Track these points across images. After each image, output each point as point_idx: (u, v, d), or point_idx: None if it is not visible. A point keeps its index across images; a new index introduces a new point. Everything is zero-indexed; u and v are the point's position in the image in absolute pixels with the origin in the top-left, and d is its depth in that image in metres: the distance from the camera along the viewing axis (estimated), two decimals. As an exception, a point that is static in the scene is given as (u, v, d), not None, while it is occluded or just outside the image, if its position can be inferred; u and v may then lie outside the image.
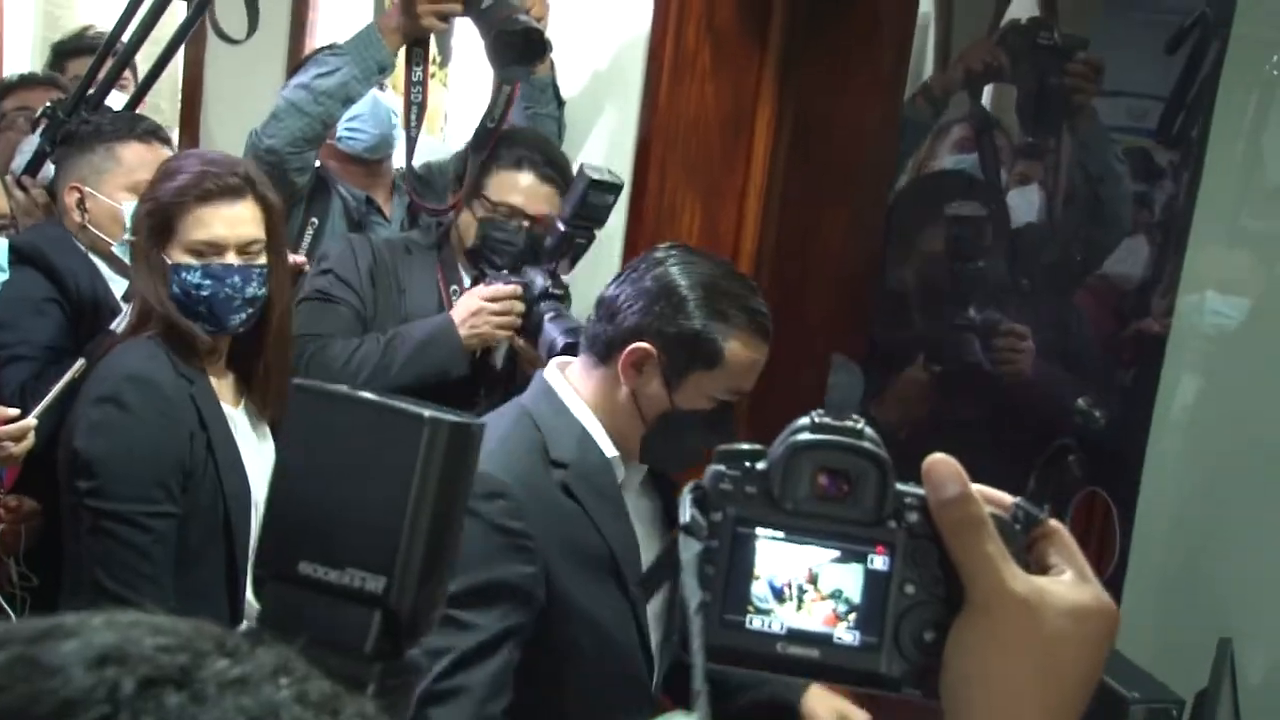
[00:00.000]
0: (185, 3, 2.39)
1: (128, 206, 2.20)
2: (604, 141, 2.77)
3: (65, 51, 3.53)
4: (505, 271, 2.38)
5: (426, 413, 0.60)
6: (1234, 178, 2.06)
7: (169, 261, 2.00)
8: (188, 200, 1.99)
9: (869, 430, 0.66)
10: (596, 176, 2.28)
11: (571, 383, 1.77)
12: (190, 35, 2.51)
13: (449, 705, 1.53)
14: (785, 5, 2.65)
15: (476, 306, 2.33)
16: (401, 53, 2.54)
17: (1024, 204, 2.72)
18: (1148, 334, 2.35)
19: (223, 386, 2.09)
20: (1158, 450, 2.09)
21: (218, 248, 2.01)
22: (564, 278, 2.40)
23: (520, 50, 2.43)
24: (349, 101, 2.52)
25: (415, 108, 2.52)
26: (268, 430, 2.14)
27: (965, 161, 2.79)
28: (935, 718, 0.66)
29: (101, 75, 2.56)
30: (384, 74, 2.55)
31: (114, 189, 2.31)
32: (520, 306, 2.33)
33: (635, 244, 2.76)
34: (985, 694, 0.64)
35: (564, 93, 2.72)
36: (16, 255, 2.20)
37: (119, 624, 0.49)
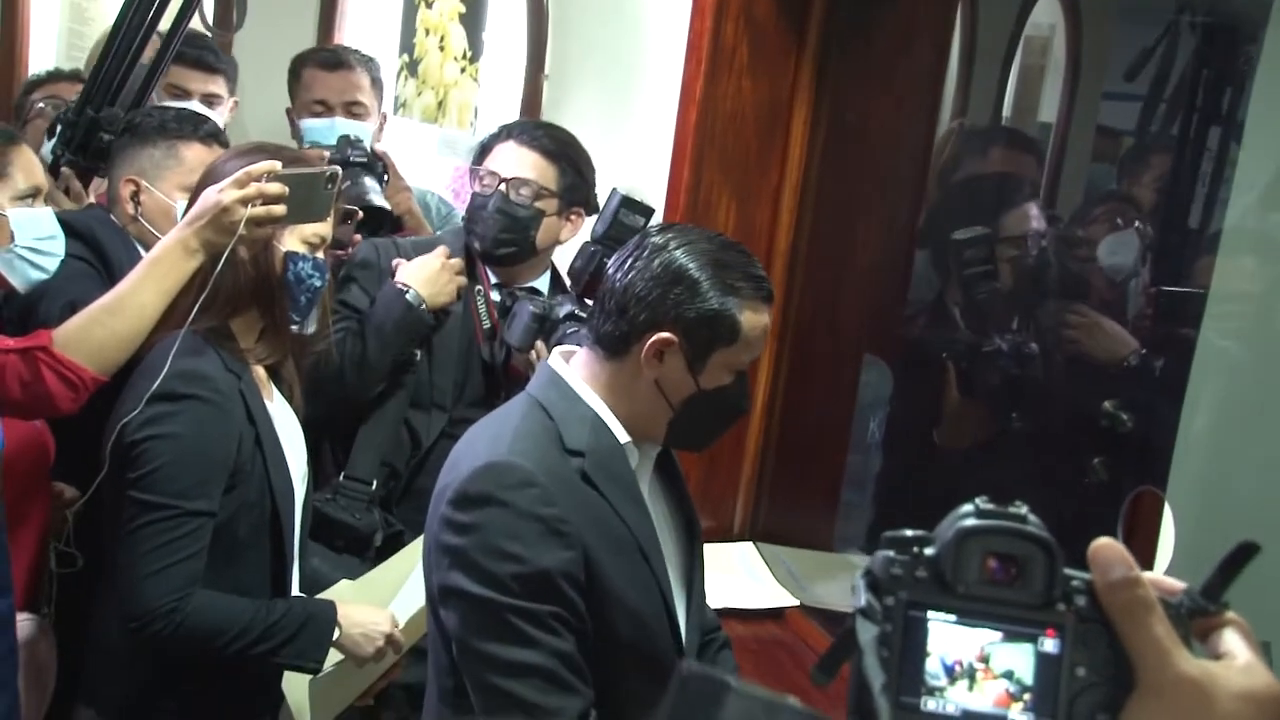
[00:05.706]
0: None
1: (181, 205, 2.19)
2: (641, 137, 2.77)
3: (35, 84, 3.25)
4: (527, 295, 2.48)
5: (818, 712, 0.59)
6: (1265, 180, 2.06)
7: (282, 248, 2.03)
8: None
9: (1032, 516, 0.68)
10: (630, 196, 2.34)
11: (578, 371, 1.77)
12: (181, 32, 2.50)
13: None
14: (824, 1, 2.64)
15: (438, 265, 2.46)
16: None
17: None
18: (1172, 332, 2.34)
19: (260, 381, 2.09)
20: (1186, 450, 2.08)
21: (322, 244, 2.07)
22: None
23: None
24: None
25: None
26: (298, 424, 2.15)
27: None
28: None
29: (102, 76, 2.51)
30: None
31: (171, 186, 2.30)
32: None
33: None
34: None
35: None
36: (68, 230, 2.17)
37: None
